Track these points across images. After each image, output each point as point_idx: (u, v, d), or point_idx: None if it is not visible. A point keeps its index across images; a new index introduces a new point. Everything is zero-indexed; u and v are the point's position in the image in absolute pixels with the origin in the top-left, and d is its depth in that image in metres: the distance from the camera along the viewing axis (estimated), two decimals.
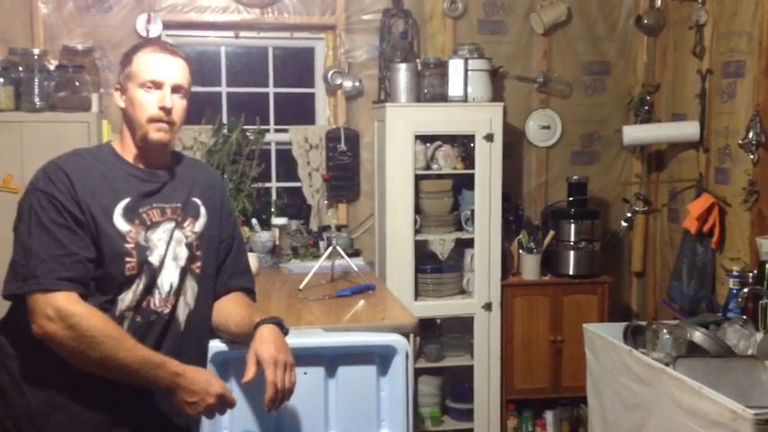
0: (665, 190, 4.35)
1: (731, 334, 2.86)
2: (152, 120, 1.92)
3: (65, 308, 1.74)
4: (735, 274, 3.27)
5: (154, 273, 1.91)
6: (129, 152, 1.97)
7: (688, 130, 3.96)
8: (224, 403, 1.86)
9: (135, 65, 1.93)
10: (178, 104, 1.95)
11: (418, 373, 3.99)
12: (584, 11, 4.43)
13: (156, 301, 1.92)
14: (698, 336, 2.78)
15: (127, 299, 1.88)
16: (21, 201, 1.87)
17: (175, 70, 1.95)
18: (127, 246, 1.87)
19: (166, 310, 1.94)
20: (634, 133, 4.22)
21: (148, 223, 1.92)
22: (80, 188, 1.83)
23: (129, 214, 1.89)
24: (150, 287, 1.91)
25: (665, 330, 2.80)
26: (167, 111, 1.92)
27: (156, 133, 1.93)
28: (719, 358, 2.64)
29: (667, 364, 2.59)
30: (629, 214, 4.42)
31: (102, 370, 1.78)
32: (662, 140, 4.25)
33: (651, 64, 4.42)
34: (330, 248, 3.26)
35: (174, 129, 1.97)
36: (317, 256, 3.71)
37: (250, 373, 1.88)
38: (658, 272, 4.40)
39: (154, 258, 1.91)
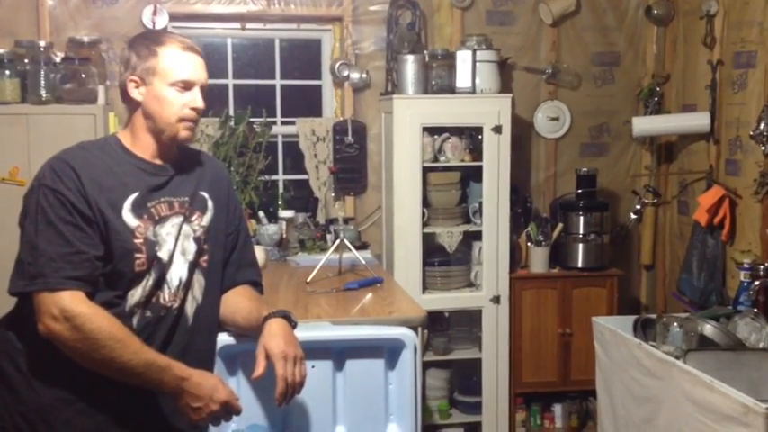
0: (674, 182, 4.32)
1: (742, 327, 2.84)
2: (183, 119, 1.91)
3: (70, 308, 1.72)
4: (745, 266, 3.24)
5: (163, 268, 1.90)
6: (138, 145, 1.95)
7: (698, 121, 3.92)
8: (229, 411, 1.86)
9: (163, 61, 1.89)
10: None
11: (426, 366, 3.98)
12: (593, 1, 4.40)
13: (165, 296, 1.91)
14: (708, 329, 2.76)
15: (137, 294, 1.86)
16: (26, 196, 1.84)
17: (203, 70, 1.96)
18: (136, 241, 1.85)
19: (176, 305, 1.93)
20: (644, 125, 4.19)
21: (157, 218, 1.90)
22: (88, 183, 1.81)
23: (138, 209, 1.87)
24: (160, 282, 1.89)
25: (675, 323, 2.78)
26: (199, 112, 1.94)
27: (185, 132, 1.93)
28: (730, 351, 2.62)
29: (678, 358, 2.57)
30: (638, 206, 4.40)
31: (106, 370, 1.77)
32: (672, 132, 4.22)
33: (661, 55, 4.39)
34: (337, 241, 3.25)
35: (197, 126, 1.99)
36: (324, 249, 3.70)
37: (260, 367, 1.87)
38: (668, 264, 4.38)
39: (163, 253, 1.90)
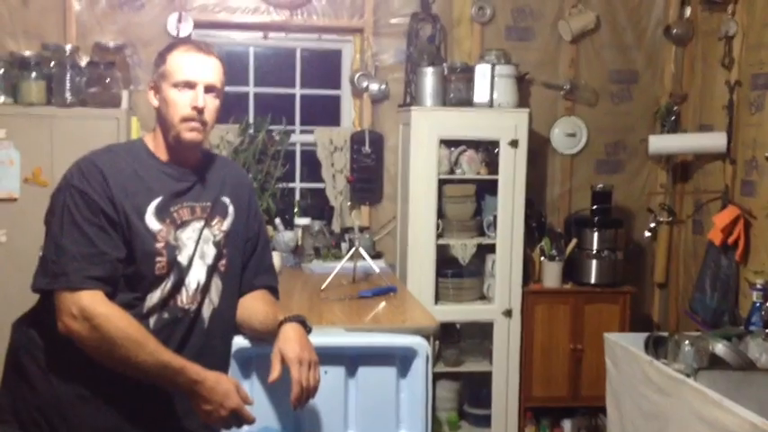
0: (690, 201, 4.32)
1: (753, 347, 2.84)
2: (185, 119, 1.92)
3: (89, 308, 1.75)
4: (758, 287, 3.24)
5: (182, 272, 1.92)
6: (161, 150, 1.99)
7: (715, 141, 3.93)
8: (239, 418, 1.86)
9: (169, 64, 1.94)
10: (211, 104, 1.95)
11: (437, 377, 3.99)
12: (612, 19, 4.42)
13: (183, 298, 1.93)
14: (720, 348, 2.76)
15: (155, 297, 1.89)
16: (54, 195, 1.88)
17: (209, 70, 1.95)
18: (157, 245, 1.88)
19: (193, 308, 1.95)
20: (660, 143, 4.20)
21: (179, 222, 1.93)
22: (114, 186, 1.84)
23: (161, 213, 1.90)
24: (178, 285, 1.92)
25: (686, 342, 2.78)
26: (200, 110, 1.92)
27: (188, 133, 1.93)
28: (741, 371, 2.62)
29: (688, 376, 2.58)
30: (653, 224, 4.39)
31: (122, 369, 1.79)
32: (688, 151, 4.23)
33: (679, 74, 4.40)
34: (352, 250, 3.27)
35: (207, 128, 1.97)
36: (338, 257, 3.73)
37: (275, 371, 1.89)
38: (681, 283, 4.37)
39: (182, 257, 1.92)
